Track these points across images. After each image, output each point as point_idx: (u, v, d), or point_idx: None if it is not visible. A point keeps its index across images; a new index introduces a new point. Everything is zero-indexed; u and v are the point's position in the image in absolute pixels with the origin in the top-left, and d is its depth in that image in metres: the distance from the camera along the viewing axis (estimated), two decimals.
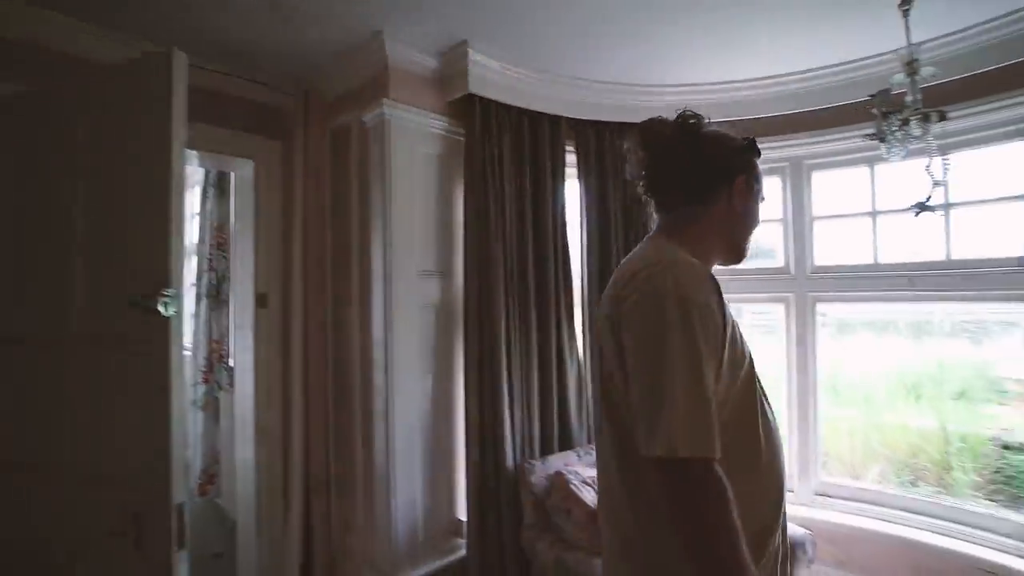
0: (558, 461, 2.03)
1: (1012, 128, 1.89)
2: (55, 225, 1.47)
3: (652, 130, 0.92)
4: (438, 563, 1.97)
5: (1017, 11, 1.72)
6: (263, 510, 2.28)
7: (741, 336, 0.83)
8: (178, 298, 1.37)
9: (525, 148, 2.19)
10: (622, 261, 0.93)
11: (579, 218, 2.36)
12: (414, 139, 2.02)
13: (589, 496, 1.83)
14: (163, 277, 1.36)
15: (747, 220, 0.94)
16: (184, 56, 1.27)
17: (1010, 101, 1.82)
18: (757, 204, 0.96)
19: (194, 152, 2.22)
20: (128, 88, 1.38)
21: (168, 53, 1.27)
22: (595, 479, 1.90)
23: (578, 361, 2.27)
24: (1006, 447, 2.08)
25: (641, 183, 0.94)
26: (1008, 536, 1.85)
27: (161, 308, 1.35)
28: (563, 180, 2.28)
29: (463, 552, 2.00)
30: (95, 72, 1.61)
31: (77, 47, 1.72)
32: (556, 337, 2.19)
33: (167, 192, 1.34)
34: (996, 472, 2.07)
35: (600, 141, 2.37)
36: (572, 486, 1.84)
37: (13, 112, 1.52)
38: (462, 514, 2.06)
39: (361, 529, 2.05)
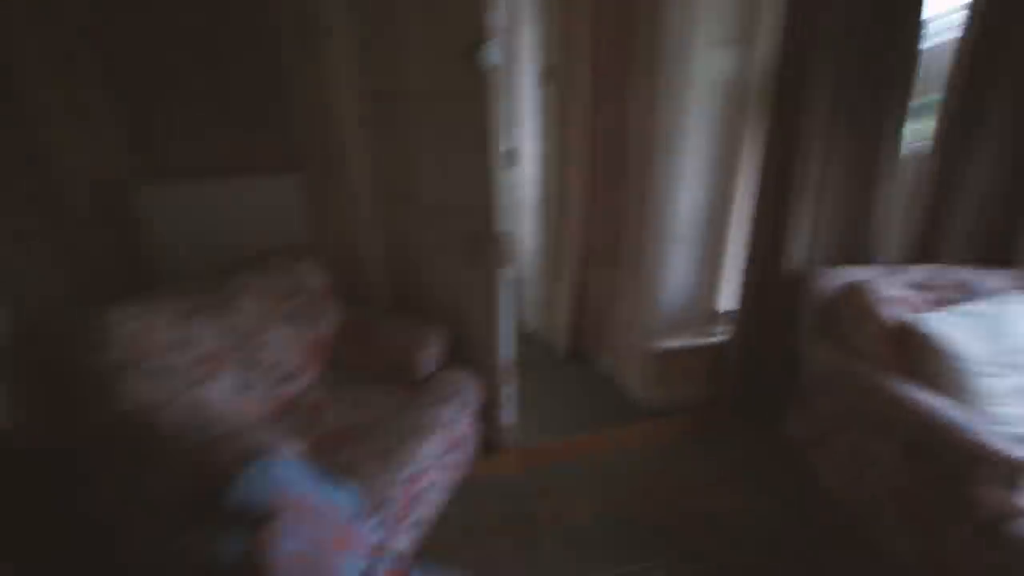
0: (855, 273, 1.77)
1: None
2: None
3: None
4: (699, 341, 2.09)
5: None
6: (539, 274, 2.70)
7: None
8: (495, 51, 1.47)
9: None
10: None
11: None
12: None
13: (887, 313, 1.60)
14: (481, 32, 1.47)
15: None
16: None
17: None
18: None
19: None
20: None
21: None
22: (899, 299, 1.64)
23: (898, 175, 1.79)
24: None
25: None
26: None
27: (481, 61, 1.49)
28: None
29: (722, 338, 2.07)
30: None
31: None
32: (878, 141, 1.72)
33: None
34: None
35: None
36: (870, 299, 1.62)
37: None
38: (724, 306, 2.08)
39: (628, 299, 2.26)
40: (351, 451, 1.28)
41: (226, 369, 1.37)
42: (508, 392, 1.77)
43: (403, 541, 1.29)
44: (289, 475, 0.77)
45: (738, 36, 1.77)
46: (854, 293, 1.66)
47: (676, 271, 2.01)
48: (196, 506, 0.62)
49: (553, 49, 2.28)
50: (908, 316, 1.57)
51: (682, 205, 1.92)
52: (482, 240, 1.64)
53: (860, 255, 1.89)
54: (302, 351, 1.60)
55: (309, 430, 1.38)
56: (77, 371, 1.19)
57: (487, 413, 1.78)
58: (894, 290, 1.69)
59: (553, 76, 2.32)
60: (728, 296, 2.09)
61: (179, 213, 1.78)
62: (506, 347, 1.72)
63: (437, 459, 1.43)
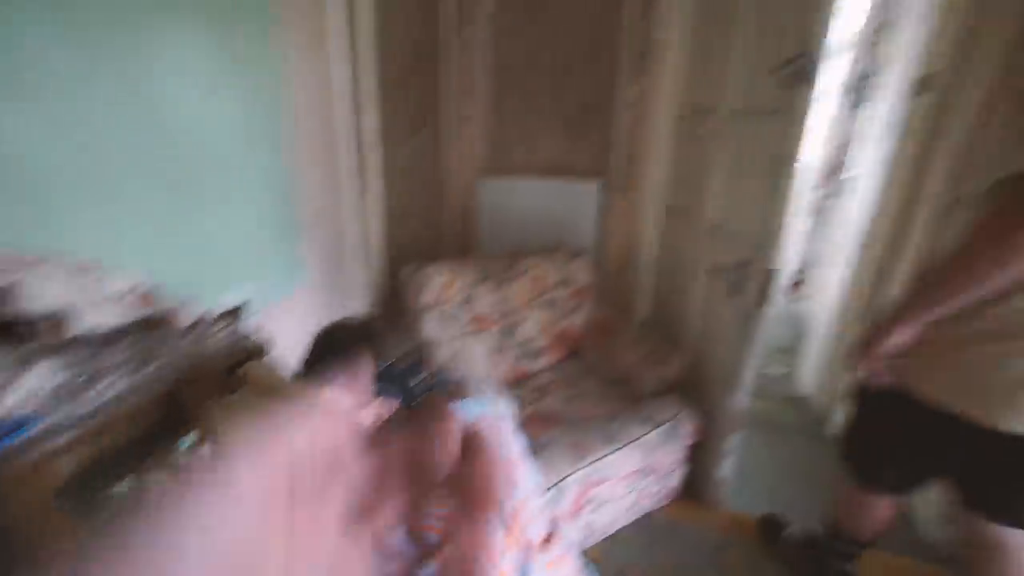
0: None
1: None
2: (726, 8, 1.60)
3: None
4: None
5: None
6: (835, 328, 2.21)
7: None
8: (813, 65, 1.28)
9: None
10: None
11: None
12: None
13: None
14: (803, 44, 1.30)
15: None
16: None
17: None
18: None
19: None
20: None
21: None
22: None
23: None
24: None
25: None
26: None
27: (795, 77, 1.32)
28: None
29: None
30: None
31: None
32: None
33: None
34: None
35: None
36: None
37: None
38: None
39: None
40: (550, 435, 1.43)
41: (490, 332, 1.72)
42: (731, 444, 1.58)
43: (569, 531, 1.37)
44: (491, 410, 0.96)
45: None
46: None
47: None
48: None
49: (934, 52, 1.77)
50: None
51: None
52: (750, 272, 1.50)
53: None
54: (551, 336, 1.84)
55: (529, 404, 1.61)
56: (407, 305, 1.73)
57: (703, 458, 1.64)
58: None
59: (931, 84, 1.81)
60: None
61: (501, 202, 2.27)
62: (743, 394, 1.53)
63: (627, 475, 1.44)
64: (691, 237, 1.80)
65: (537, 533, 0.88)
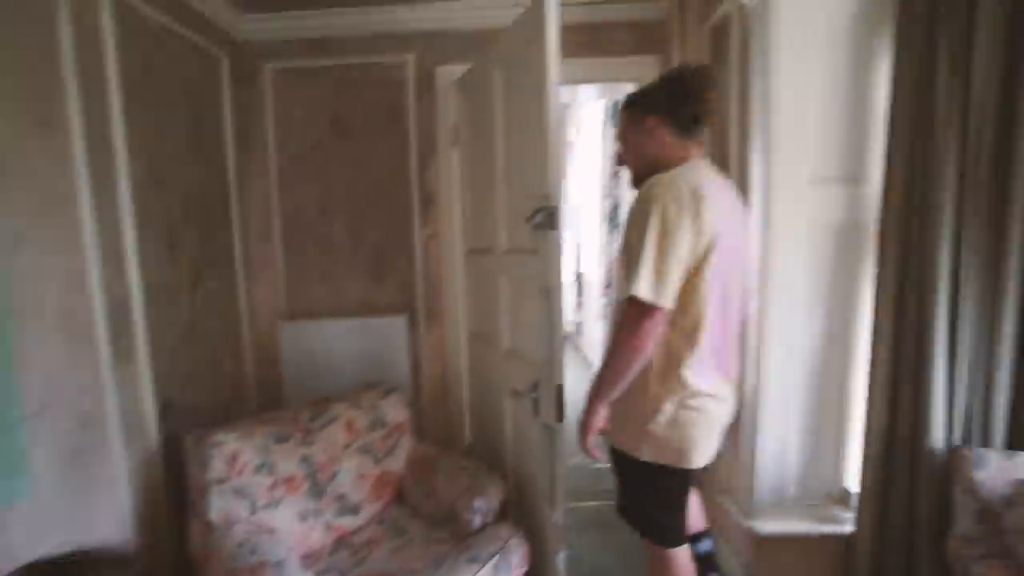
0: None
1: None
2: (489, 165, 1.94)
3: None
4: (812, 528, 1.67)
5: None
6: None
7: None
8: (555, 215, 1.60)
9: None
10: None
11: None
12: (814, 2, 1.55)
13: None
14: (544, 199, 1.62)
15: None
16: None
17: None
18: None
19: (593, 86, 2.46)
20: (519, 42, 1.63)
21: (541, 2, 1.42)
22: None
23: None
24: None
25: None
26: None
27: (543, 224, 1.62)
28: None
29: (849, 528, 1.62)
30: (502, 36, 1.98)
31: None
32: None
33: (545, 127, 1.55)
34: None
35: None
36: None
37: (465, 85, 2.08)
38: (853, 484, 1.66)
39: (724, 461, 1.95)
40: None
41: (296, 496, 1.54)
42: (560, 559, 1.61)
43: None
44: None
45: (847, 175, 1.64)
46: None
47: (778, 432, 1.70)
48: None
49: None
50: None
51: (780, 355, 1.68)
52: (542, 390, 1.64)
53: None
54: (369, 484, 1.72)
55: (351, 570, 1.44)
56: (190, 483, 1.47)
57: None
58: None
59: None
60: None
61: (307, 346, 2.18)
62: (560, 509, 1.60)
63: None
64: (494, 362, 1.93)
65: None
